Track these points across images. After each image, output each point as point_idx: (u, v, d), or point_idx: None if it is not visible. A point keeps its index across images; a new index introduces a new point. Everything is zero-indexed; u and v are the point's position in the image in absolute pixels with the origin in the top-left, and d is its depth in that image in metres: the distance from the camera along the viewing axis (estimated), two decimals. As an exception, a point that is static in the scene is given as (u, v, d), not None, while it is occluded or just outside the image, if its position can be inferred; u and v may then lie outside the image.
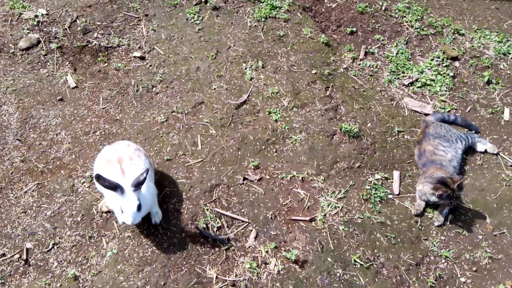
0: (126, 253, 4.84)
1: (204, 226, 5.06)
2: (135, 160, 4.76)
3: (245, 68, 6.50)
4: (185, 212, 5.20)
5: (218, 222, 5.13)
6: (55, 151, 5.68)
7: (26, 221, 5.10)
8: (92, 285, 4.63)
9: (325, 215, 5.25)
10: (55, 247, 4.89)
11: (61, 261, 4.79)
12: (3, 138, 5.70)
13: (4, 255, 4.79)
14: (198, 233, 5.02)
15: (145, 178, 4.33)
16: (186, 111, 6.05)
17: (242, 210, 5.26)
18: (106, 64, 6.47)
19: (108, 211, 5.15)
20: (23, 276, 4.70)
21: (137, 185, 4.35)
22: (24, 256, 4.80)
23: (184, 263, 4.79)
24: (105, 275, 4.68)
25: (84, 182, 5.43)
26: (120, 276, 4.66)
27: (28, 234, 4.97)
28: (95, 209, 5.18)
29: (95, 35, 6.71)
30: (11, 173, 5.40)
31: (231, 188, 5.43)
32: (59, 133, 5.85)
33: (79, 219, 5.11)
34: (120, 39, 6.69)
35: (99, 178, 4.22)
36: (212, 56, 6.57)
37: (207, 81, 6.34)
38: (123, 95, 6.18)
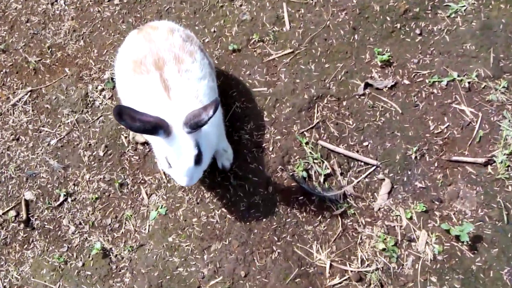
0: (180, 215, 2.95)
1: (303, 173, 2.98)
2: (187, 63, 2.48)
3: None
4: (270, 149, 3.10)
5: (325, 167, 3.02)
6: (52, 34, 3.45)
7: (20, 154, 3.22)
8: (132, 268, 2.91)
9: (510, 153, 2.99)
10: (69, 199, 3.06)
11: (79, 223, 3.00)
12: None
13: (-6, 210, 3.07)
14: (294, 186, 2.99)
15: (211, 116, 2.14)
16: (261, -41, 3.42)
17: (365, 144, 3.07)
18: None
19: (146, 142, 3.13)
20: (26, 246, 3.01)
21: (195, 126, 2.20)
22: (23, 214, 3.05)
23: (275, 239, 2.87)
24: (150, 252, 2.89)
25: (103, 90, 3.31)
26: (173, 256, 2.87)
27: (25, 177, 3.14)
28: (125, 137, 3.19)
29: None
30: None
31: (344, 103, 3.15)
32: (56, 1, 3.51)
33: (101, 153, 3.14)
34: None
35: (120, 114, 2.05)
36: None
37: None
38: None
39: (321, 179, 2.98)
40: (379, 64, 3.20)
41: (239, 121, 3.14)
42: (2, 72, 3.37)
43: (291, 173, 3.00)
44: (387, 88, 3.16)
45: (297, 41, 3.33)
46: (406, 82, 3.17)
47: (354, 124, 3.10)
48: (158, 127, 2.14)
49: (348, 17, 3.33)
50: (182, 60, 2.49)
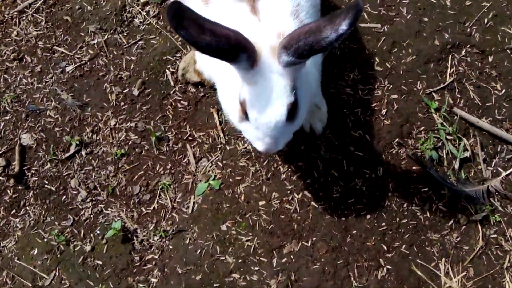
0: (241, 194, 1.94)
1: (432, 153, 1.93)
2: None
3: None
4: (382, 112, 2.01)
5: (464, 147, 1.97)
6: None
7: (22, 80, 2.23)
8: (163, 263, 1.92)
9: None
10: (83, 152, 2.07)
11: (94, 188, 2.02)
12: None
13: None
14: (416, 170, 1.92)
15: (344, 33, 1.18)
16: None
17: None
18: None
19: (201, 83, 2.15)
20: (14, 211, 2.03)
21: (306, 53, 1.25)
22: (16, 165, 2.09)
23: (384, 248, 1.81)
24: (193, 243, 1.89)
25: (146, 4, 2.26)
26: (225, 254, 1.86)
27: (25, 112, 2.18)
28: (172, 73, 2.18)
29: None
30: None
31: (490, 59, 2.07)
32: None
33: (135, 91, 2.11)
34: None
35: (180, 17, 1.15)
36: None
37: None
38: None
39: (456, 164, 1.95)
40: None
41: (338, 67, 2.10)
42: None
43: (412, 151, 1.97)
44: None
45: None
46: None
47: (504, 90, 2.05)
48: (239, 47, 1.27)
49: None
50: None
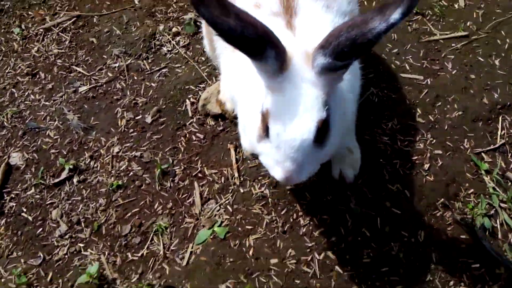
0: (251, 247, 1.58)
1: (485, 221, 1.59)
2: None
3: None
4: (424, 167, 1.70)
5: (522, 216, 1.64)
6: None
7: (29, 96, 2.05)
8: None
9: None
10: (75, 179, 1.79)
11: (77, 222, 1.69)
12: None
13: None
14: (464, 240, 1.56)
15: (395, 23, 0.98)
16: None
17: None
18: None
19: (222, 115, 1.93)
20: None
21: (340, 53, 1.04)
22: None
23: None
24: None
25: (177, 34, 2.16)
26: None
27: (23, 129, 1.95)
28: (192, 104, 1.96)
29: None
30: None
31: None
32: None
33: (148, 118, 1.90)
34: None
35: None
36: None
37: None
38: None
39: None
40: None
41: (375, 114, 1.86)
42: (47, -13, 2.37)
43: (460, 216, 1.64)
44: None
45: (474, 24, 2.13)
46: None
47: None
48: (266, 40, 1.06)
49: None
50: None
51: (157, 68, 2.07)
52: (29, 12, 2.30)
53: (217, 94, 1.87)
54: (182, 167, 1.79)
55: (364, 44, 1.02)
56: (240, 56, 1.17)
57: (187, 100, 1.96)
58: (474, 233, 1.58)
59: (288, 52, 1.12)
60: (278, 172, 1.16)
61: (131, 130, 1.91)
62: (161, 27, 2.18)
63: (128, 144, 1.87)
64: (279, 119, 1.11)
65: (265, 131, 1.16)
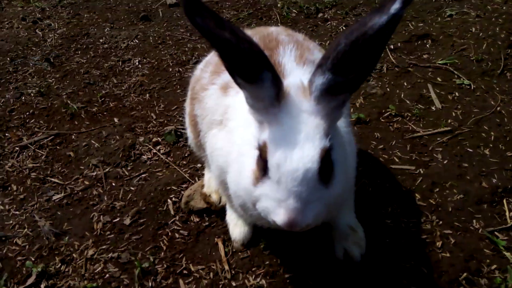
0: None
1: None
2: (315, 52, 1.63)
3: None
4: (437, 245, 1.73)
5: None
6: (112, 86, 2.80)
7: (-1, 209, 2.15)
8: None
9: None
10: (43, 284, 1.71)
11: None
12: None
13: None
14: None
15: (397, 15, 1.05)
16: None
17: None
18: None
19: (207, 210, 1.96)
20: None
21: (340, 62, 1.10)
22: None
23: None
24: None
25: (157, 144, 2.37)
26: None
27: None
28: (174, 203, 1.99)
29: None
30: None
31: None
32: (130, 60, 3.04)
33: (127, 220, 1.90)
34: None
35: (198, 7, 1.07)
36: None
37: None
38: None
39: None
40: None
41: (372, 202, 1.95)
42: (27, 113, 2.64)
43: (488, 293, 1.59)
44: None
45: (455, 121, 2.44)
46: None
47: None
48: (262, 61, 1.13)
49: (531, 104, 2.47)
50: (309, 48, 1.66)
51: (136, 174, 2.21)
52: (6, 134, 2.54)
53: (201, 189, 1.97)
54: (165, 265, 1.75)
55: (365, 44, 1.06)
56: (230, 127, 1.39)
57: (168, 200, 2.04)
58: (508, 309, 1.52)
59: (284, 86, 1.19)
60: (279, 215, 1.11)
61: (108, 233, 1.92)
62: (141, 139, 2.41)
63: (104, 247, 1.85)
64: (279, 149, 1.13)
65: (263, 169, 1.15)
